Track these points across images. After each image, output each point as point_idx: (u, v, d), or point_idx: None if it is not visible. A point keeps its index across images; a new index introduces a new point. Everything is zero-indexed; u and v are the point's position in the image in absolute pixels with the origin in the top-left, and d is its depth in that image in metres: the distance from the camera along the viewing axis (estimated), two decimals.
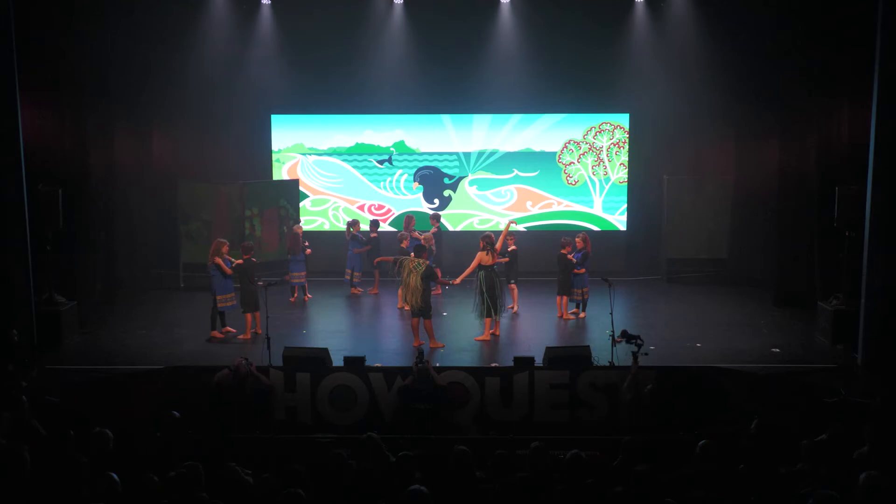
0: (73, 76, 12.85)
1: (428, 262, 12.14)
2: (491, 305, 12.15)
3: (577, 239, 13.58)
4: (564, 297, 13.52)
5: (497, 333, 12.38)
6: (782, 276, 14.39)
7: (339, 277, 15.56)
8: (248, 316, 12.44)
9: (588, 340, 11.96)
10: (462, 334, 12.60)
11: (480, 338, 12.25)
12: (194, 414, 8.43)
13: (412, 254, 12.23)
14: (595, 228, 17.16)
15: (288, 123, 17.51)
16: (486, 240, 12.36)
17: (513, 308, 13.83)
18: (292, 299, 14.77)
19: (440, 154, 17.42)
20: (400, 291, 13.00)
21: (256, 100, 16.88)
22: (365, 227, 15.92)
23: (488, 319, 12.23)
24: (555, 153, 17.27)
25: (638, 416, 9.08)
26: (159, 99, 16.17)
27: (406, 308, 12.85)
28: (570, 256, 13.39)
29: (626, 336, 9.25)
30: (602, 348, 10.68)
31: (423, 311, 11.76)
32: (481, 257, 12.27)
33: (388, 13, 16.61)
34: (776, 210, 14.66)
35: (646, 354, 9.25)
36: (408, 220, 15.52)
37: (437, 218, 15.70)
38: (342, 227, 16.68)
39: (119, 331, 12.94)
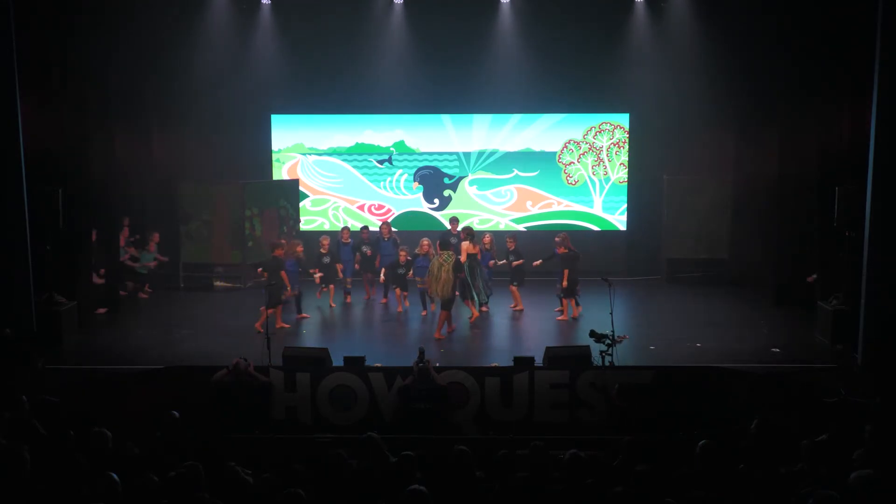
0: (73, 76, 12.85)
1: (455, 255, 12.81)
2: (472, 290, 13.08)
3: (556, 239, 13.74)
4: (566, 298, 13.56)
5: (476, 315, 13.18)
6: (782, 276, 14.38)
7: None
8: (270, 311, 12.46)
9: (588, 340, 11.93)
10: (461, 334, 12.61)
11: (472, 318, 13.10)
12: (194, 414, 8.43)
13: (437, 247, 12.80)
14: (595, 228, 17.17)
15: (288, 123, 17.51)
16: (466, 231, 13.51)
17: (517, 307, 13.97)
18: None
19: (440, 154, 17.42)
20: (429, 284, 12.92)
21: (256, 100, 16.89)
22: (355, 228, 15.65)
23: (469, 301, 13.13)
24: (555, 153, 17.27)
25: (610, 416, 9.27)
26: (159, 99, 16.18)
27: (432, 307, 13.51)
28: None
29: (596, 336, 9.32)
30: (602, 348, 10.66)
31: (450, 302, 12.44)
32: (468, 247, 13.06)
33: (388, 13, 16.61)
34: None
35: (610, 356, 9.34)
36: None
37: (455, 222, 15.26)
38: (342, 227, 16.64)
39: (119, 331, 12.94)
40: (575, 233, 16.38)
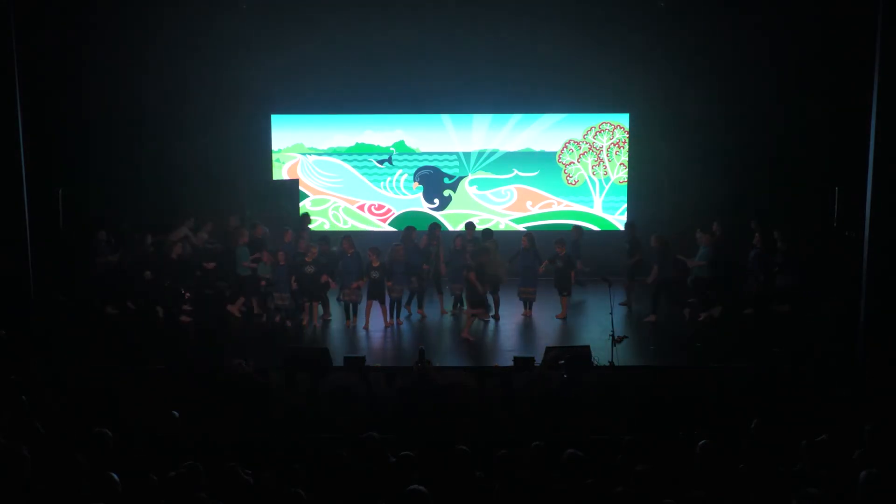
0: (73, 76, 12.86)
1: (497, 242, 13.50)
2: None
3: (523, 238, 13.90)
4: (564, 298, 13.58)
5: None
6: (782, 276, 14.36)
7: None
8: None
9: (588, 340, 11.96)
10: (459, 333, 12.62)
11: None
12: (194, 414, 8.42)
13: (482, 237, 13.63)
14: (595, 228, 17.17)
15: (288, 123, 17.50)
16: (433, 225, 14.40)
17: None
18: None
19: (440, 154, 17.42)
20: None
21: (256, 100, 16.88)
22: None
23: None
24: (555, 153, 17.27)
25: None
26: (159, 99, 16.15)
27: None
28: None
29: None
30: (602, 348, 10.68)
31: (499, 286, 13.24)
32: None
33: (388, 13, 16.56)
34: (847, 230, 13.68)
35: (562, 363, 9.79)
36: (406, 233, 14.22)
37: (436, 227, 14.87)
38: (342, 227, 16.66)
39: (119, 331, 12.93)
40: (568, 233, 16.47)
